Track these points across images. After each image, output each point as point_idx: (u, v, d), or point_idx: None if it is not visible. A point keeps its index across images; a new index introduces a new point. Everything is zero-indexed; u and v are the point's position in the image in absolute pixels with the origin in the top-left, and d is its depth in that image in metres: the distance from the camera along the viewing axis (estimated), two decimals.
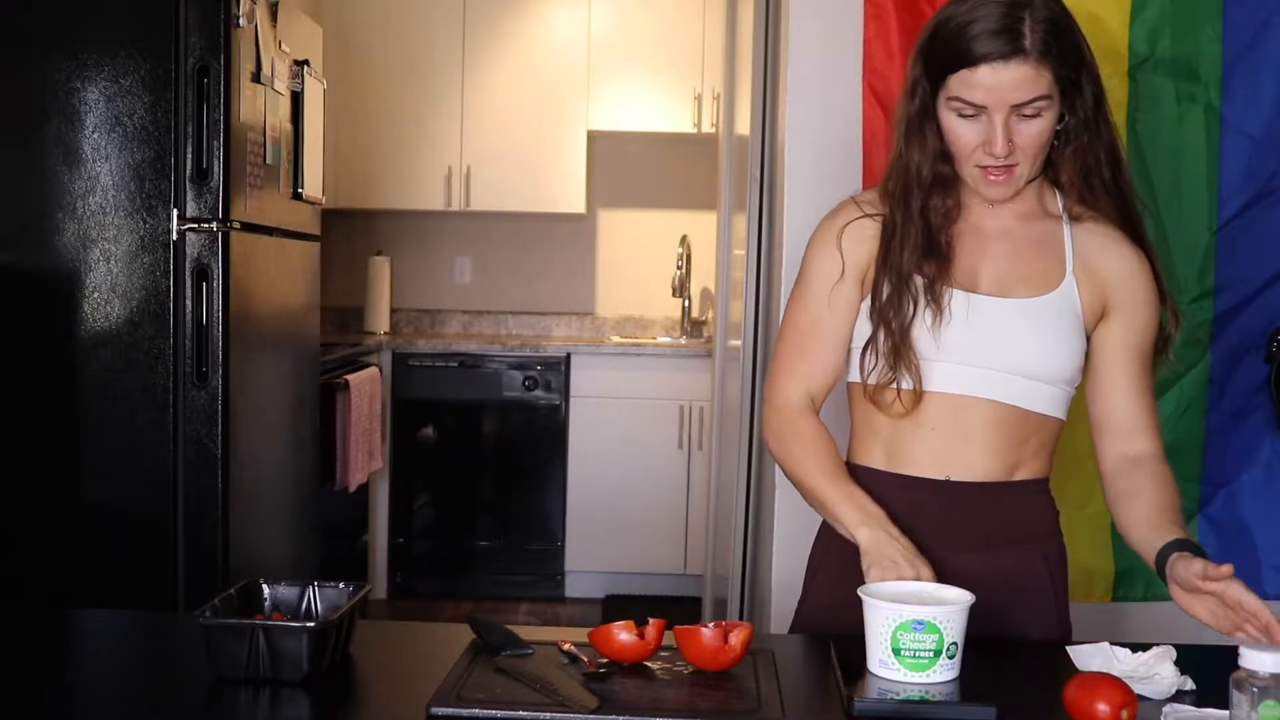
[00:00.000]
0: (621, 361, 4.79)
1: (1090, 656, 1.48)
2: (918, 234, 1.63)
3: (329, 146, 4.14)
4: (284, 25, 3.04)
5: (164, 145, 2.66)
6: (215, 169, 2.67)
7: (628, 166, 5.40)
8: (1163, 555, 1.54)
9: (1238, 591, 1.43)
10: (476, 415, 4.84)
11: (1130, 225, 1.66)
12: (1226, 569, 1.43)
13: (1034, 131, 1.56)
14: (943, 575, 1.55)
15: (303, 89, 3.19)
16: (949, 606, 1.40)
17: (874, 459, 1.70)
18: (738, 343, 3.06)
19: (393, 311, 5.31)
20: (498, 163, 5.03)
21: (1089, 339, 1.67)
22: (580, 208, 5.08)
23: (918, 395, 1.64)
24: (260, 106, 2.89)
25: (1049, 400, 1.65)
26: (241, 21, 2.70)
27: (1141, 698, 1.33)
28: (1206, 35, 2.31)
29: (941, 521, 1.65)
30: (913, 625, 1.37)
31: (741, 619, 2.94)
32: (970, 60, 1.52)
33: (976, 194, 1.65)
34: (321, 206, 3.49)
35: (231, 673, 1.37)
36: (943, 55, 1.56)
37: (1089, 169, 1.62)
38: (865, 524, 1.58)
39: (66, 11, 2.66)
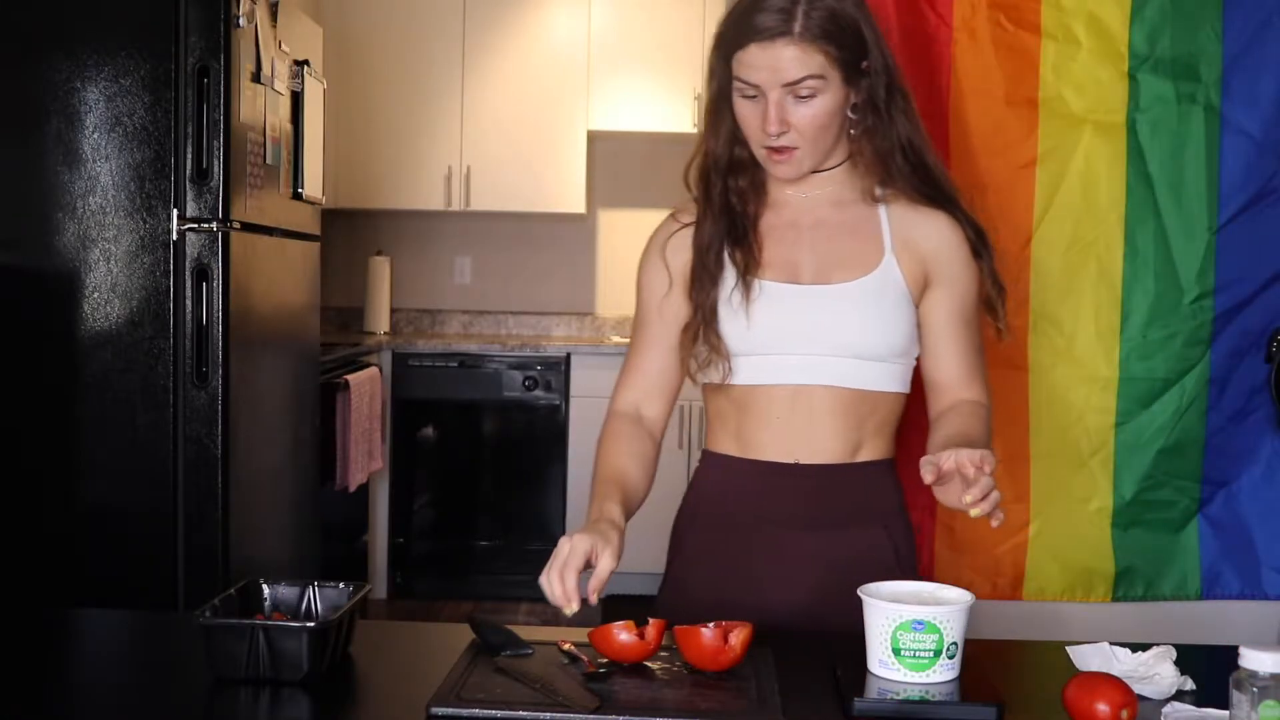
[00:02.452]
0: (621, 361, 4.78)
1: (1090, 656, 1.48)
2: (717, 213, 1.70)
3: (329, 146, 4.14)
4: (284, 25, 3.04)
5: (164, 145, 2.66)
6: (215, 169, 2.67)
7: (628, 166, 5.40)
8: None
9: (963, 458, 1.44)
10: (476, 415, 4.84)
11: (941, 201, 1.70)
12: (944, 457, 1.45)
13: (810, 113, 1.61)
14: (791, 556, 1.64)
15: (303, 89, 3.19)
16: (949, 606, 1.40)
17: (727, 447, 1.76)
18: None
19: (393, 311, 5.31)
20: (498, 163, 5.03)
21: (918, 309, 1.71)
22: (580, 208, 5.08)
23: (735, 388, 1.70)
24: (260, 106, 2.89)
25: (883, 377, 1.69)
26: (241, 21, 2.70)
27: (1141, 698, 1.34)
28: (1206, 35, 2.31)
29: (790, 503, 1.70)
30: (913, 625, 1.37)
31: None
32: (745, 40, 1.59)
33: (790, 185, 1.71)
34: (321, 206, 3.49)
35: (231, 673, 1.37)
36: (727, 37, 1.62)
37: (885, 153, 1.67)
38: (602, 506, 1.61)
39: (66, 11, 2.66)
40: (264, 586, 1.53)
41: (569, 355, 4.79)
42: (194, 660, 1.42)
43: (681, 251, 1.74)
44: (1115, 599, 2.44)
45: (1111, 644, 1.49)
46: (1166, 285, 2.35)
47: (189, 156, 2.67)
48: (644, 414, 1.79)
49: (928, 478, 1.47)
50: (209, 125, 2.67)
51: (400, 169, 5.04)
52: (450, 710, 1.28)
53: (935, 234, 1.70)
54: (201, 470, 2.69)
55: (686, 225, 1.75)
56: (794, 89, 1.59)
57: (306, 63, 3.22)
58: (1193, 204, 2.34)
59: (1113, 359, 2.36)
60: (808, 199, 1.72)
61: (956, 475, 1.47)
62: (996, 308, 1.73)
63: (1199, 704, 1.35)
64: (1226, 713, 1.16)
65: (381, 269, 5.17)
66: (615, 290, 5.44)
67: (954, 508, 1.49)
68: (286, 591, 1.54)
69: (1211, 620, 2.44)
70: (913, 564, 1.77)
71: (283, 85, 3.05)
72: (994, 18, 2.27)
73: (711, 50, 1.68)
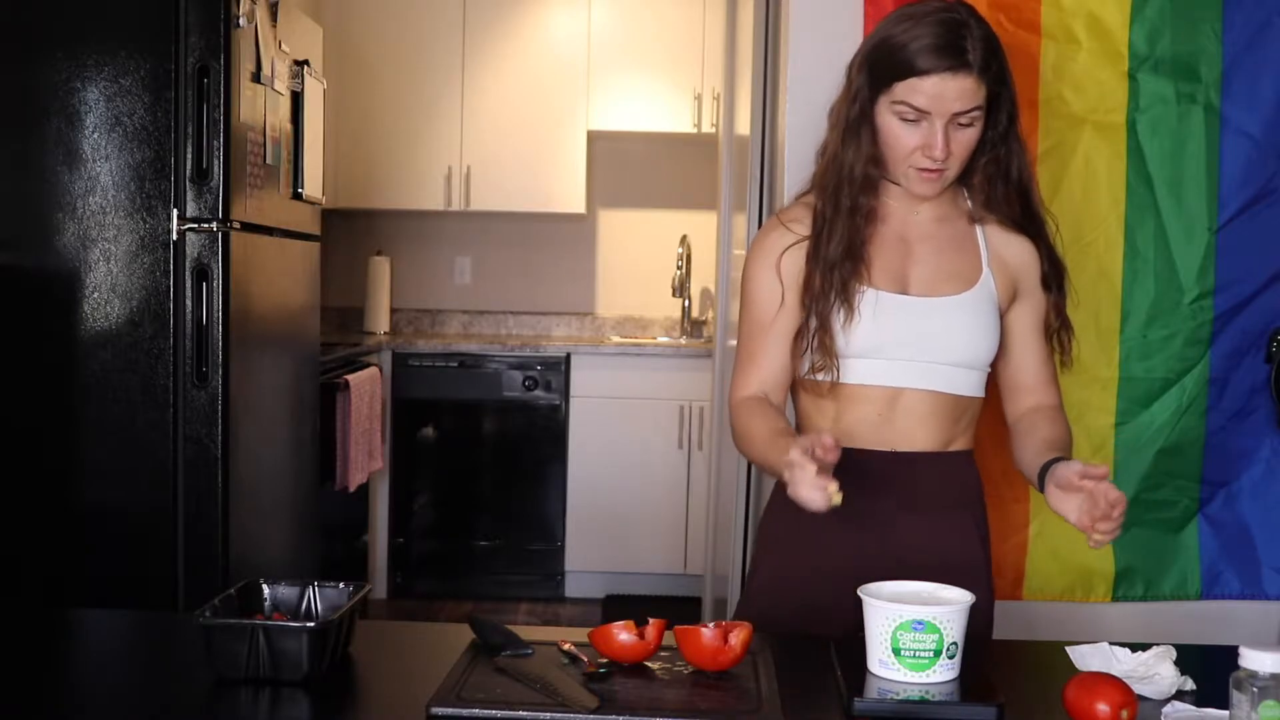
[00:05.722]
0: (621, 361, 4.79)
1: (1090, 656, 1.48)
2: (844, 230, 1.76)
3: (329, 146, 4.14)
4: (284, 25, 3.04)
5: (164, 145, 2.66)
6: (215, 169, 2.67)
7: (628, 166, 5.40)
8: (1045, 467, 1.68)
9: (1105, 487, 1.55)
10: (476, 415, 4.84)
11: (1031, 232, 1.83)
12: (1102, 469, 1.57)
13: (966, 139, 1.72)
14: (890, 540, 1.76)
15: (303, 89, 3.19)
16: (949, 606, 1.40)
17: None
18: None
19: (393, 311, 5.31)
20: (498, 163, 5.03)
21: (1002, 319, 1.84)
22: (580, 208, 5.08)
23: (838, 386, 1.78)
24: (260, 106, 2.89)
25: (974, 383, 1.82)
26: (241, 21, 2.70)
27: (1141, 698, 1.34)
28: (1206, 35, 2.31)
29: (886, 486, 1.79)
30: (913, 625, 1.37)
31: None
32: (919, 70, 1.67)
33: (897, 199, 1.80)
34: (321, 206, 3.49)
35: (231, 673, 1.37)
36: (891, 64, 1.70)
37: (994, 178, 1.79)
38: (786, 450, 1.62)
39: (66, 11, 2.66)
40: (264, 586, 1.53)
41: (569, 355, 4.79)
42: (194, 660, 1.42)
43: (796, 262, 1.80)
44: (1115, 599, 2.44)
45: (1111, 644, 1.49)
46: (1166, 285, 2.35)
47: (189, 156, 2.67)
48: (772, 401, 1.84)
49: (1082, 481, 1.58)
50: (209, 125, 2.67)
51: (400, 169, 5.04)
52: (450, 710, 1.28)
53: (1021, 254, 1.83)
54: (201, 470, 2.69)
55: (802, 240, 1.79)
56: (959, 117, 1.69)
57: (306, 63, 3.22)
58: (1193, 204, 2.34)
59: (1113, 359, 2.36)
60: (916, 214, 1.81)
61: (1082, 491, 1.58)
62: (1063, 341, 1.86)
63: (1199, 704, 1.35)
64: (1226, 713, 1.16)
65: (381, 269, 5.17)
66: (615, 290, 5.44)
67: (1058, 513, 1.62)
68: (286, 591, 1.54)
69: (1211, 620, 2.44)
70: (989, 549, 1.87)
71: (283, 85, 3.05)
72: (994, 18, 2.27)
73: (858, 71, 1.75)
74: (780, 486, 1.89)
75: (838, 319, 1.75)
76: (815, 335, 1.76)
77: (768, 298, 1.81)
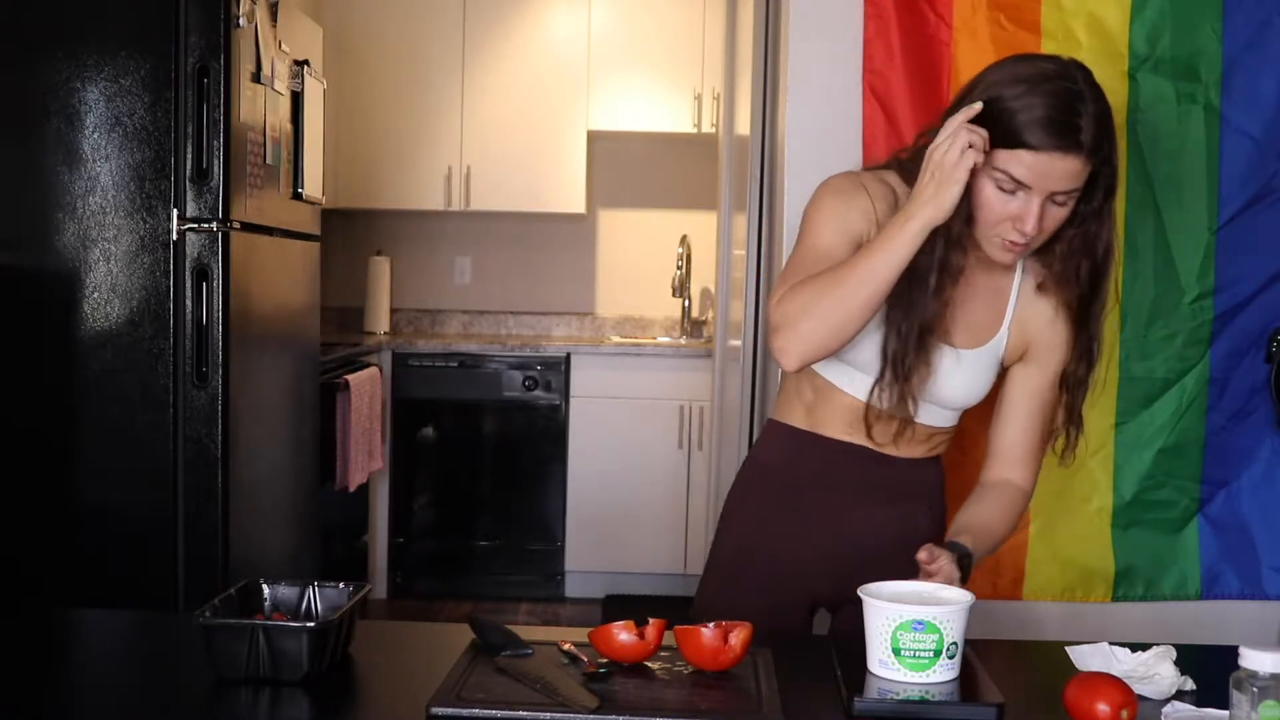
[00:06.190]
0: (621, 361, 4.79)
1: (1090, 656, 1.48)
2: (936, 285, 1.67)
3: (329, 146, 4.15)
4: (284, 25, 3.04)
5: (164, 145, 2.66)
6: (215, 169, 2.67)
7: (628, 166, 5.40)
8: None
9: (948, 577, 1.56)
10: (476, 415, 4.84)
11: (1088, 308, 1.76)
12: (931, 556, 1.57)
13: (1059, 216, 1.66)
14: (845, 522, 1.82)
15: (303, 89, 3.19)
16: (949, 606, 1.40)
17: (796, 420, 1.87)
18: (738, 343, 3.06)
19: (393, 311, 5.31)
20: (498, 163, 5.03)
21: (1004, 370, 1.82)
22: (580, 208, 5.08)
23: (818, 379, 1.81)
24: (260, 106, 2.89)
25: (950, 418, 1.84)
26: (241, 21, 2.70)
27: (1141, 698, 1.34)
28: (1206, 35, 2.31)
29: (849, 475, 1.84)
30: (913, 625, 1.37)
31: None
32: (1028, 143, 1.59)
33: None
34: (321, 206, 3.49)
35: (231, 673, 1.37)
36: (997, 129, 1.60)
37: (1077, 252, 1.72)
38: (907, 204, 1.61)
39: (66, 11, 2.66)
40: (264, 586, 1.54)
41: (569, 355, 4.79)
42: (194, 660, 1.42)
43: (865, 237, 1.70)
44: (1115, 599, 2.44)
45: (1111, 644, 1.50)
46: (1166, 285, 2.35)
47: (189, 156, 2.67)
48: None
49: (922, 555, 1.57)
50: (209, 125, 2.67)
51: (400, 169, 5.04)
52: (450, 710, 1.28)
53: (1053, 331, 1.78)
54: (201, 470, 2.69)
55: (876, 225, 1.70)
56: (1057, 195, 1.62)
57: (306, 63, 3.22)
58: (1193, 204, 2.33)
59: (1112, 359, 2.36)
60: (964, 255, 1.73)
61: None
62: (1070, 436, 1.82)
63: (1199, 704, 1.35)
64: (1226, 713, 1.16)
65: (381, 269, 5.17)
66: (615, 290, 5.44)
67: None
68: (286, 591, 1.54)
69: (1211, 620, 2.44)
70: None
71: (283, 85, 3.05)
72: (994, 18, 2.27)
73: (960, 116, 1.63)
74: (751, 463, 1.93)
75: (904, 366, 1.70)
76: (889, 380, 1.70)
77: (829, 248, 1.70)
